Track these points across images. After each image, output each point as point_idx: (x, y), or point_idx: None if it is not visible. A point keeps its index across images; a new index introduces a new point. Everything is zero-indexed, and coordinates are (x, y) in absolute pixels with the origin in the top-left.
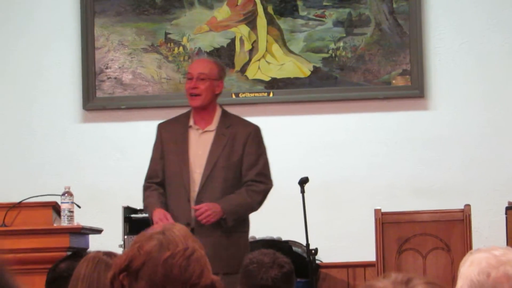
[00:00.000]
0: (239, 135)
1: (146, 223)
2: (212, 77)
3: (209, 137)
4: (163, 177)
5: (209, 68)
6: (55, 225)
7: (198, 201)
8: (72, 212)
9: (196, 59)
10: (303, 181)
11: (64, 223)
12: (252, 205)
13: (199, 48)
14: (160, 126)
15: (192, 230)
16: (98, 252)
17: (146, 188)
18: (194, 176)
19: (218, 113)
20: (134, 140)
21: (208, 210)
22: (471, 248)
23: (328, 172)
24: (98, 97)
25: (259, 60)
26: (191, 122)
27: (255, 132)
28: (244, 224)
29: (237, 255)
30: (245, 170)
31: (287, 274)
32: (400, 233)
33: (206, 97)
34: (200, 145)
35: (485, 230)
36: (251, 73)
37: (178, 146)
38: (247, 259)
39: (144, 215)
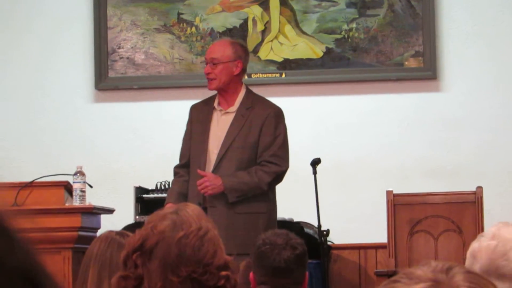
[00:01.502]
0: (257, 116)
1: (157, 203)
2: (225, 59)
3: (229, 118)
4: (187, 160)
5: (221, 51)
6: (67, 204)
7: None
8: (84, 191)
9: (214, 42)
10: (315, 162)
11: (76, 202)
12: (259, 185)
13: (212, 28)
14: (192, 107)
15: (204, 209)
16: (111, 231)
17: (174, 174)
18: (211, 156)
19: (241, 94)
20: (146, 120)
21: (207, 181)
22: (482, 230)
23: (340, 153)
24: (110, 77)
25: (271, 40)
26: (216, 103)
27: (275, 114)
28: (262, 204)
29: (254, 236)
30: (260, 151)
31: (300, 255)
32: (412, 215)
33: (221, 80)
34: (220, 126)
35: (497, 212)
36: (263, 53)
37: (202, 126)
38: (260, 240)
39: (156, 195)
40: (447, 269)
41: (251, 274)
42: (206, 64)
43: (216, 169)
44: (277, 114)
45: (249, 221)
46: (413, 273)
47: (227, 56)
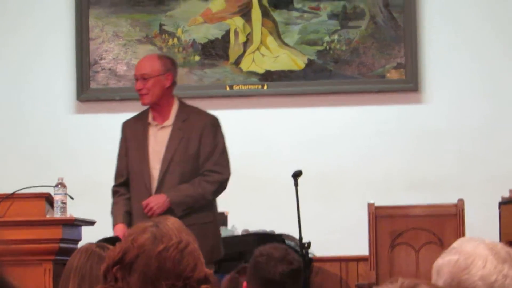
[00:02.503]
0: (195, 127)
1: None
2: (155, 73)
3: (166, 133)
4: (128, 175)
5: (150, 66)
6: (48, 216)
7: None
8: (65, 203)
9: (141, 59)
10: (296, 174)
11: (57, 214)
12: (203, 195)
13: (194, 39)
14: (124, 124)
15: None
16: (91, 244)
17: (113, 193)
18: (153, 172)
19: (175, 107)
20: None
21: (151, 203)
22: None
23: (321, 165)
24: (92, 88)
25: (253, 52)
26: (150, 119)
27: (211, 122)
28: (208, 214)
29: (205, 246)
30: (202, 162)
31: (295, 271)
32: (393, 227)
33: (153, 94)
34: (158, 141)
35: (479, 224)
36: (245, 65)
37: (138, 143)
38: (257, 251)
39: None
40: (413, 287)
41: (244, 284)
42: (136, 81)
43: (160, 185)
44: (214, 123)
45: (198, 231)
46: None
47: (157, 70)
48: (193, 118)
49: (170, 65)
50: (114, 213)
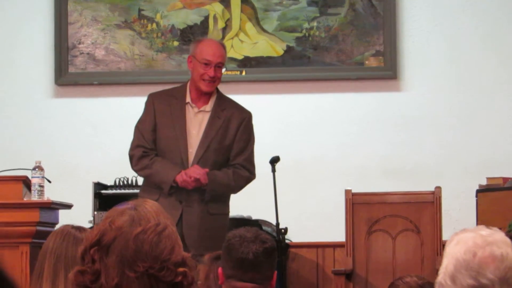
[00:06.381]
0: (233, 119)
1: (116, 199)
2: (224, 63)
3: (204, 118)
4: (154, 149)
5: (225, 56)
6: (25, 199)
7: None
8: (42, 186)
9: (212, 43)
10: (274, 160)
11: (34, 197)
12: (233, 188)
13: (173, 25)
14: (153, 97)
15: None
16: (67, 225)
17: (142, 156)
18: (188, 155)
19: (214, 95)
20: (106, 116)
21: (197, 175)
22: (440, 230)
23: (299, 152)
24: (70, 73)
25: (232, 38)
26: (188, 99)
27: (249, 119)
28: (227, 206)
29: (221, 236)
30: (234, 155)
31: (268, 249)
32: (370, 214)
33: (218, 84)
34: (195, 124)
35: (455, 212)
36: None
37: (175, 121)
38: (230, 234)
39: (114, 191)
40: None
41: (219, 269)
42: (206, 64)
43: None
44: (251, 120)
45: (219, 221)
46: None
47: (225, 61)
48: (232, 110)
49: None
50: (163, 168)
